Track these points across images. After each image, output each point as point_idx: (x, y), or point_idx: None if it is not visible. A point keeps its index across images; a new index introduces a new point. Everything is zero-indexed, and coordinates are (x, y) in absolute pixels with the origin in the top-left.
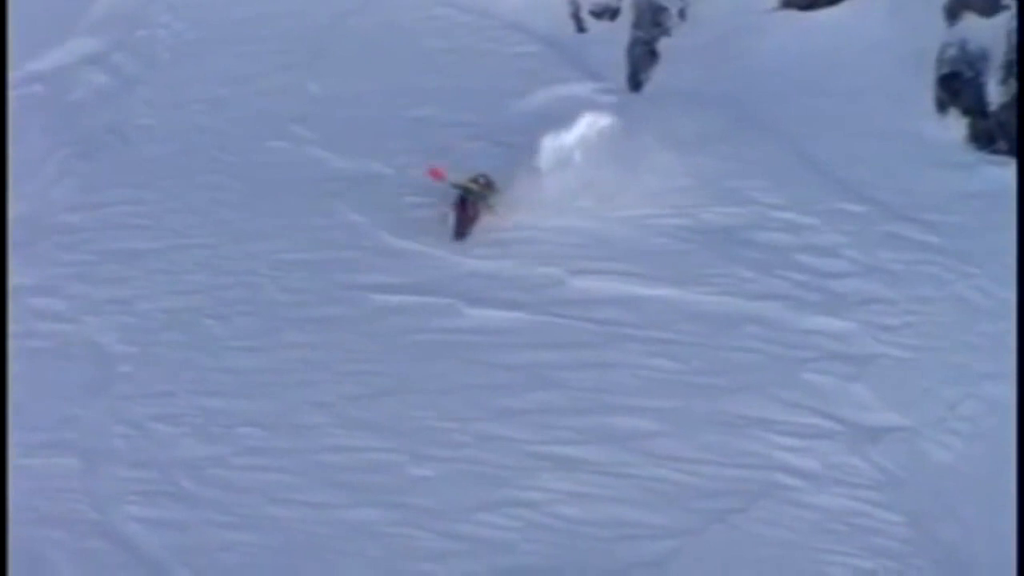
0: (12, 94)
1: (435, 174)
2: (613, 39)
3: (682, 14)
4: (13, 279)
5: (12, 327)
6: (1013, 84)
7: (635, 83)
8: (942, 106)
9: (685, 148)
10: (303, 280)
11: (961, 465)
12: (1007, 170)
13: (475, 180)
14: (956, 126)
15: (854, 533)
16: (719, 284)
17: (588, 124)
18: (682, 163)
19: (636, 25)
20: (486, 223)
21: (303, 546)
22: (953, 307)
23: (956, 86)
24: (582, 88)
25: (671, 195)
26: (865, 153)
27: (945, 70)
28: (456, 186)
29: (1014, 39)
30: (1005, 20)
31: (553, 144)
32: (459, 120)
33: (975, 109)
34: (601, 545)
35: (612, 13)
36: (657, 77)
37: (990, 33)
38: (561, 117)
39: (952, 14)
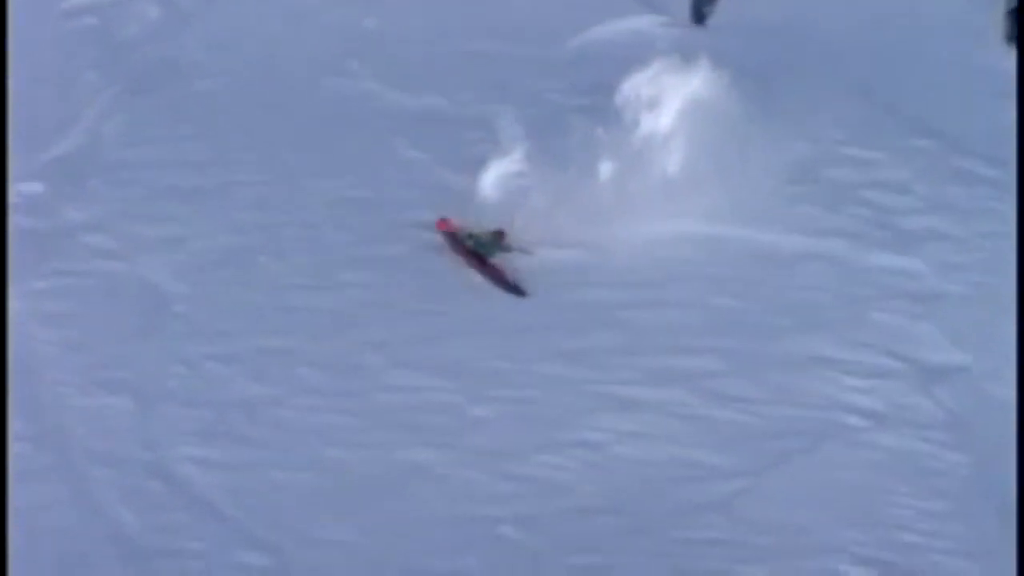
0: (63, 26)
1: (443, 226)
2: None
3: None
4: (66, 215)
5: (65, 265)
6: None
7: (699, 16)
8: (1012, 39)
9: (752, 83)
10: (360, 218)
11: None
12: None
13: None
14: None
15: (919, 474)
16: (784, 222)
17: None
18: (747, 99)
19: None
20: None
21: (359, 488)
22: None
23: None
24: (644, 21)
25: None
26: (934, 87)
27: (1015, 3)
28: (470, 236)
29: None
30: None
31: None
32: (519, 54)
33: None
34: (663, 486)
35: None
36: (721, 9)
37: None
38: (628, 56)
39: None
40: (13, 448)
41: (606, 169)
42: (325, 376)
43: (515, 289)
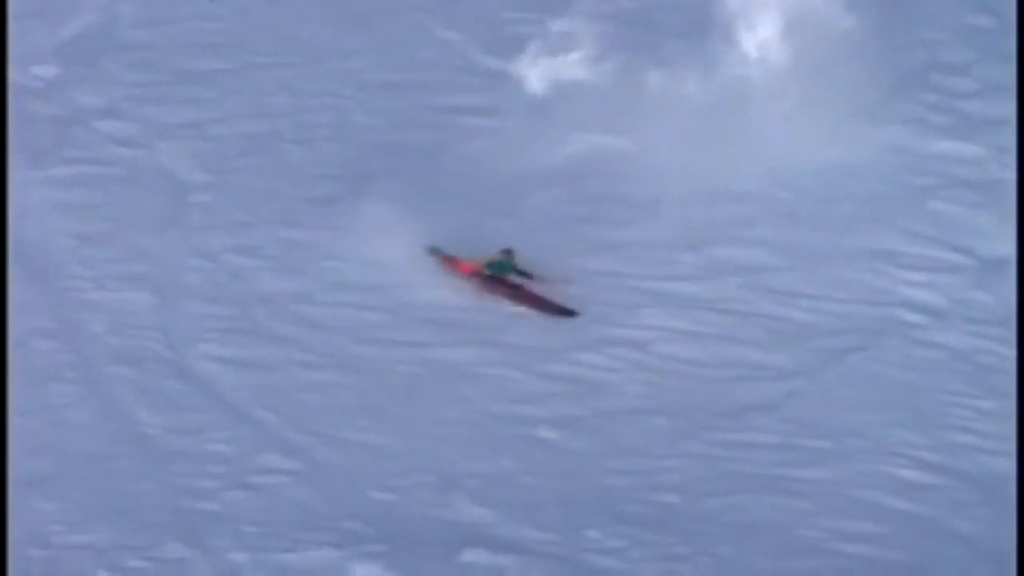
0: None
1: (466, 268)
2: None
3: None
4: (79, 100)
5: (80, 153)
6: None
7: None
8: None
9: None
10: (390, 102)
11: None
12: None
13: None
14: None
15: (976, 373)
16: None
17: None
18: None
19: None
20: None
21: (392, 387)
22: None
23: None
24: None
25: None
26: None
27: None
28: (489, 266)
29: None
30: None
31: None
32: None
33: None
34: (711, 387)
35: None
36: None
37: None
38: None
39: None
40: (31, 344)
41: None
42: (356, 270)
43: (564, 311)
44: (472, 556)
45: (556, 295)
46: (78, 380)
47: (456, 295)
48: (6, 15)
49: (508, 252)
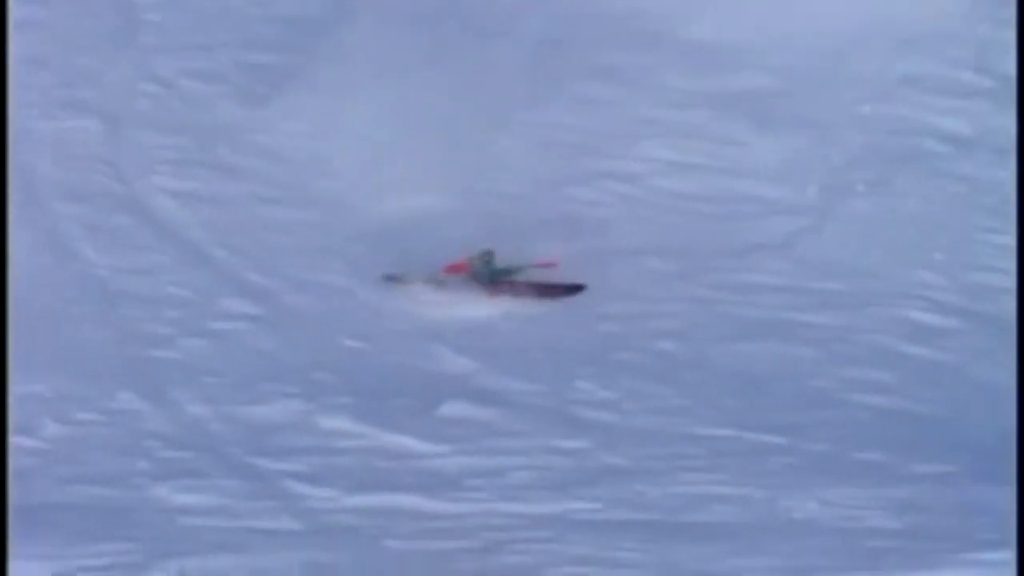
0: None
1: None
2: None
3: None
4: None
5: None
6: None
7: None
8: None
9: None
10: None
11: None
12: None
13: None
14: None
15: (1003, 206)
16: None
17: None
18: None
19: None
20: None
21: (360, 227)
22: None
23: None
24: None
25: None
26: None
27: None
28: (475, 276)
29: None
30: None
31: None
32: None
33: None
34: (713, 224)
35: None
36: None
37: None
38: None
39: None
40: None
41: None
42: (322, 100)
43: (572, 289)
44: (451, 409)
45: (554, 276)
46: (19, 217)
47: (431, 113)
48: None
49: (488, 253)
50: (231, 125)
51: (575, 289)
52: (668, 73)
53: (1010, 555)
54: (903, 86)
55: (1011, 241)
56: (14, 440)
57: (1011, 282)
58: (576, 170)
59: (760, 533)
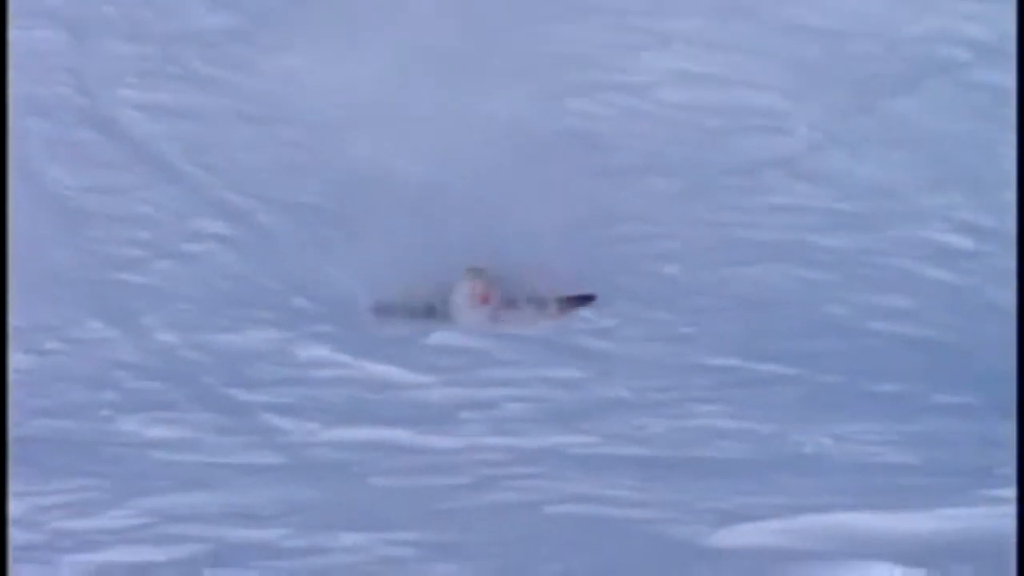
0: None
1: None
2: None
3: None
4: None
5: None
6: None
7: None
8: None
9: None
10: None
11: None
12: None
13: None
14: None
15: None
16: None
17: None
18: None
19: None
20: None
21: (341, 152)
22: None
23: None
24: None
25: None
26: None
27: None
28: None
29: None
30: None
31: None
32: None
33: None
34: (720, 139)
35: None
36: None
37: None
38: None
39: None
40: None
41: None
42: (301, 10)
43: (583, 300)
44: (440, 338)
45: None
46: None
47: None
48: None
49: (479, 272)
50: (204, 34)
51: (587, 300)
52: None
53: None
54: None
55: None
56: None
57: None
58: (574, 84)
59: (768, 469)
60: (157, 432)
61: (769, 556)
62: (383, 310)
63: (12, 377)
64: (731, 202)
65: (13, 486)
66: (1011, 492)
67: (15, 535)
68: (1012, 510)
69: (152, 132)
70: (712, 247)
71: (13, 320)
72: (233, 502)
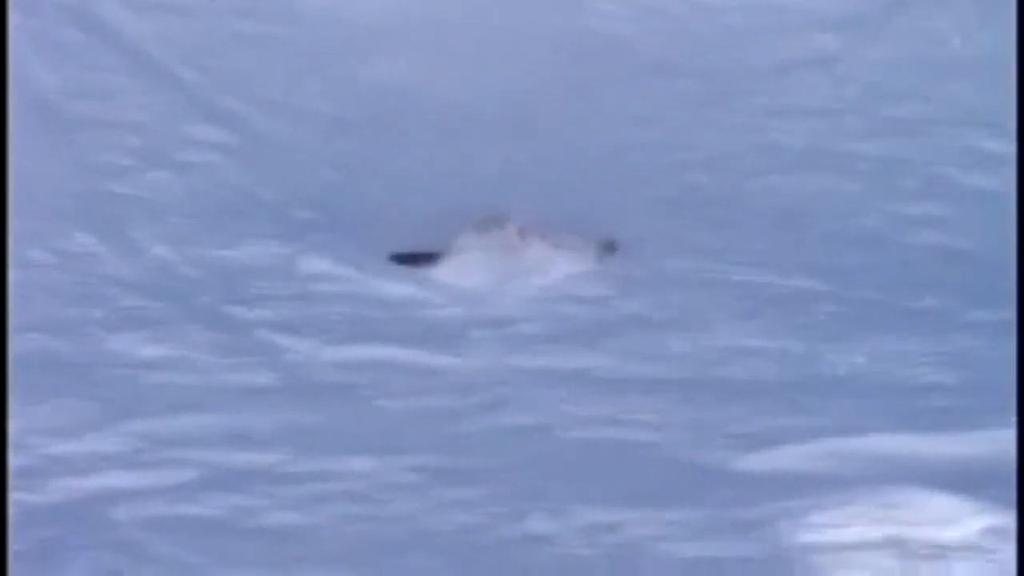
0: None
1: None
2: None
3: None
4: None
5: None
6: None
7: None
8: None
9: None
10: None
11: None
12: None
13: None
14: None
15: None
16: None
17: None
18: None
19: None
20: None
21: (349, 47)
22: None
23: None
24: None
25: None
26: None
27: None
28: None
29: None
30: None
31: None
32: None
33: None
34: (748, 39)
35: None
36: None
37: None
38: None
39: None
40: None
41: None
42: None
43: (607, 247)
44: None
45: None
46: None
47: None
48: None
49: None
50: None
51: (610, 247)
52: None
53: None
54: None
55: None
56: None
57: None
58: None
59: (799, 390)
60: (150, 352)
61: (798, 481)
62: (401, 259)
63: None
64: (759, 106)
65: None
66: None
67: None
68: None
69: (143, 31)
70: (739, 154)
71: None
72: (231, 425)
